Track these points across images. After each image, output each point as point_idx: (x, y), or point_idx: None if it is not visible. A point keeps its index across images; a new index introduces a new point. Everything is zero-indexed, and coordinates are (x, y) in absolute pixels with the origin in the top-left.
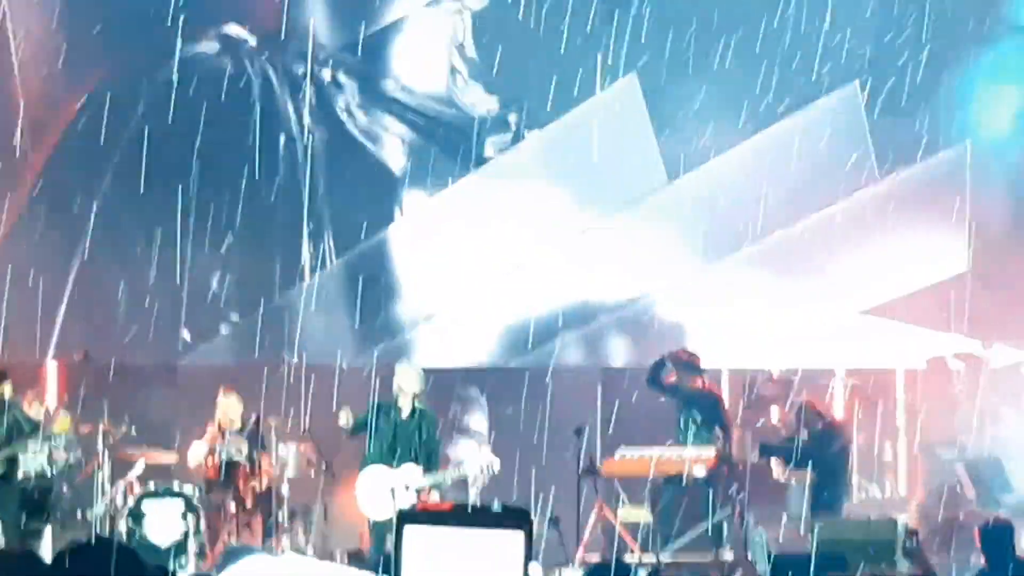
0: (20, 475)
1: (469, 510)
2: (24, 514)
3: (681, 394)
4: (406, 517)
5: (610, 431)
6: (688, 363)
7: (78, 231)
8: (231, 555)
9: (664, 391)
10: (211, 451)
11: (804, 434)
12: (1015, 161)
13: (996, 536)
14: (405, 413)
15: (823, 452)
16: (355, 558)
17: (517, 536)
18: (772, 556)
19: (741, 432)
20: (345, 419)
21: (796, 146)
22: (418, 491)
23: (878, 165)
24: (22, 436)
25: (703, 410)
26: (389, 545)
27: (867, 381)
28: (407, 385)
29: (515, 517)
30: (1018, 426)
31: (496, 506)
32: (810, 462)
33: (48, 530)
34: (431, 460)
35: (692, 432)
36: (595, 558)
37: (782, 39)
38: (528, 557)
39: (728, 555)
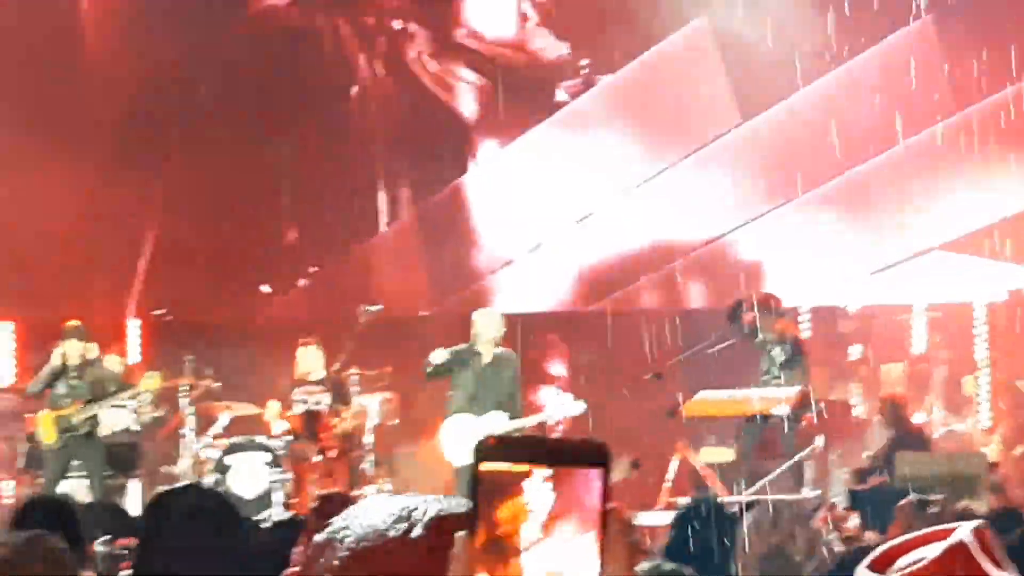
0: (106, 431)
1: (544, 444)
2: (111, 469)
3: (761, 336)
4: (482, 452)
5: (690, 374)
6: (767, 305)
7: (155, 189)
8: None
9: (743, 333)
10: (290, 404)
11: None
12: None
13: None
14: (487, 359)
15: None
16: None
17: (595, 473)
18: (853, 493)
19: (821, 370)
20: (437, 358)
21: (870, 83)
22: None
23: (953, 99)
24: (107, 393)
25: (783, 351)
26: None
27: (947, 315)
28: (486, 330)
29: (593, 452)
30: None
31: (575, 440)
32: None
33: (135, 485)
34: (515, 404)
35: (773, 373)
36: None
37: None
38: (606, 493)
39: (811, 493)
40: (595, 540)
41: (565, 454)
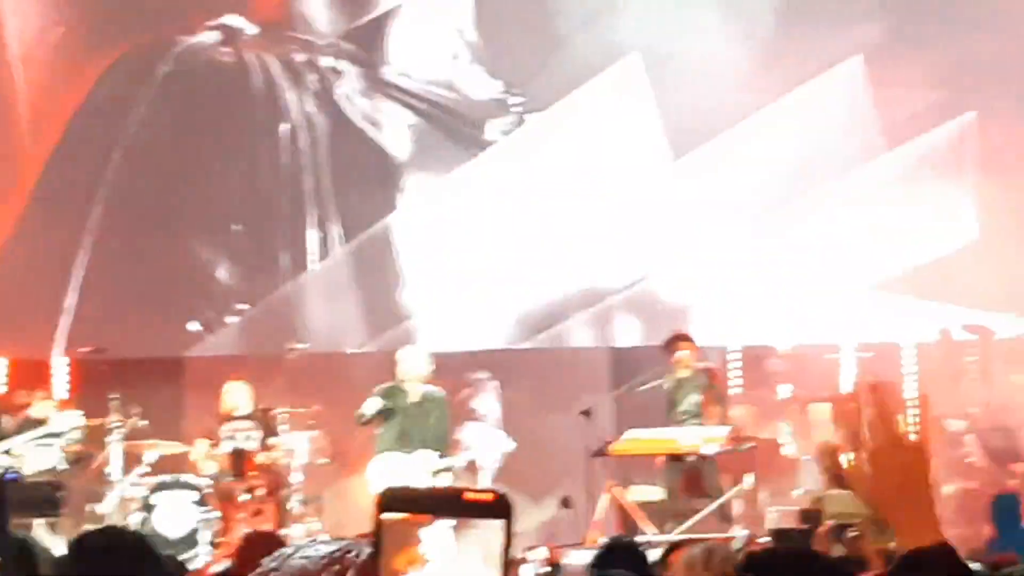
0: (31, 470)
1: (445, 495)
2: (35, 509)
3: (684, 373)
4: (383, 504)
5: (619, 412)
6: (687, 341)
7: (82, 225)
8: None
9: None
10: (217, 442)
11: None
12: None
13: (1006, 507)
14: (414, 397)
15: None
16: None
17: (498, 524)
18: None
19: (750, 409)
20: (370, 408)
21: (801, 120)
22: (434, 474)
23: (884, 138)
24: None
25: (702, 388)
26: None
27: (877, 355)
28: (413, 368)
29: (496, 504)
30: None
31: (478, 492)
32: None
33: (59, 524)
34: (443, 442)
35: (693, 412)
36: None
37: (787, 14)
38: (508, 544)
39: (739, 531)
40: None
41: (468, 506)
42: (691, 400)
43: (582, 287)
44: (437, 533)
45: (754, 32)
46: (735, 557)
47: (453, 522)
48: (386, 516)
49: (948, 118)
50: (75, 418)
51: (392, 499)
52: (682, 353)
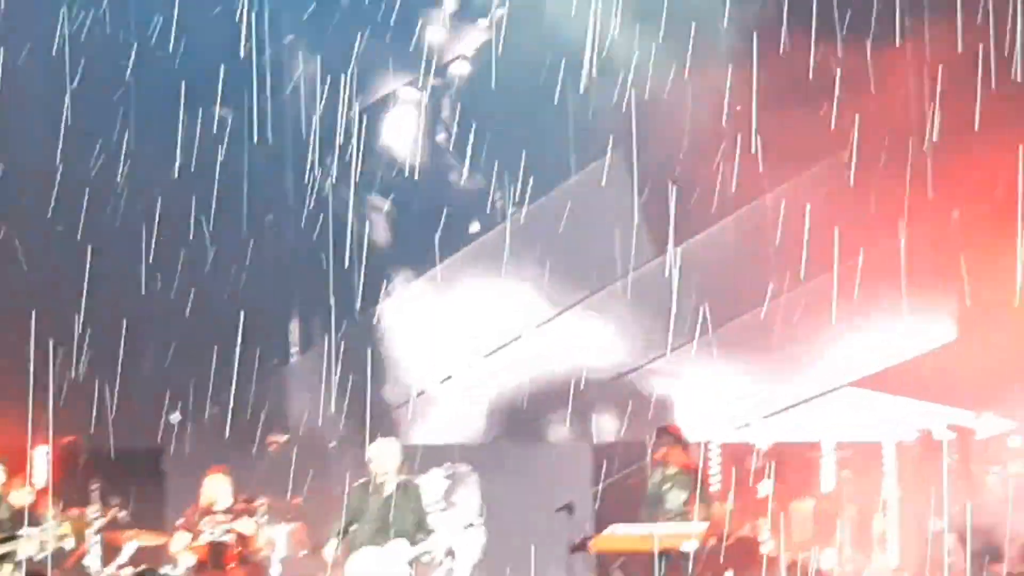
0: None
1: None
2: None
3: (667, 470)
4: None
5: (600, 507)
6: (674, 437)
7: (65, 314)
8: None
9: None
10: (196, 534)
11: None
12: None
13: None
14: (387, 490)
15: None
16: None
17: None
18: None
19: (731, 506)
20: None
21: (781, 216)
22: (410, 562)
23: (858, 239)
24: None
25: (687, 485)
26: None
27: (856, 453)
28: (384, 461)
29: None
30: (1007, 496)
31: None
32: None
33: None
34: (419, 530)
35: (677, 508)
36: None
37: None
38: None
39: None
40: None
41: None
42: (678, 498)
43: (561, 381)
44: None
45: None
46: None
47: None
48: None
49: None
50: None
51: None
52: (671, 449)
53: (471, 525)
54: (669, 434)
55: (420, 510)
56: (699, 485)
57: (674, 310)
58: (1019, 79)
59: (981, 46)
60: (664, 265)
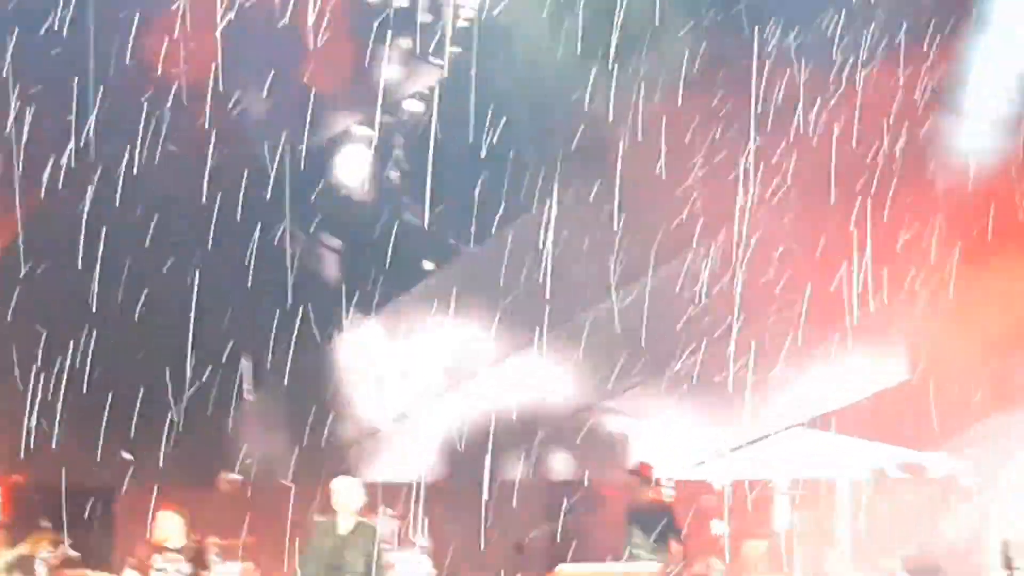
0: None
1: None
2: None
3: (636, 507)
4: None
5: (555, 545)
6: (642, 476)
7: (14, 350)
8: None
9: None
10: (146, 572)
11: None
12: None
13: None
14: (345, 528)
15: None
16: None
17: None
18: None
19: (684, 544)
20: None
21: (735, 256)
22: None
23: (815, 277)
24: None
25: (656, 523)
26: None
27: (810, 492)
28: (346, 500)
29: None
30: (958, 535)
31: None
32: None
33: None
34: (369, 573)
35: (641, 545)
36: None
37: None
38: None
39: None
40: None
41: None
42: (651, 534)
43: (517, 420)
44: None
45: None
46: None
47: None
48: None
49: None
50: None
51: None
52: (646, 486)
53: (421, 565)
54: (647, 470)
55: (373, 552)
56: (676, 525)
57: (627, 349)
58: None
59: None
60: (616, 303)
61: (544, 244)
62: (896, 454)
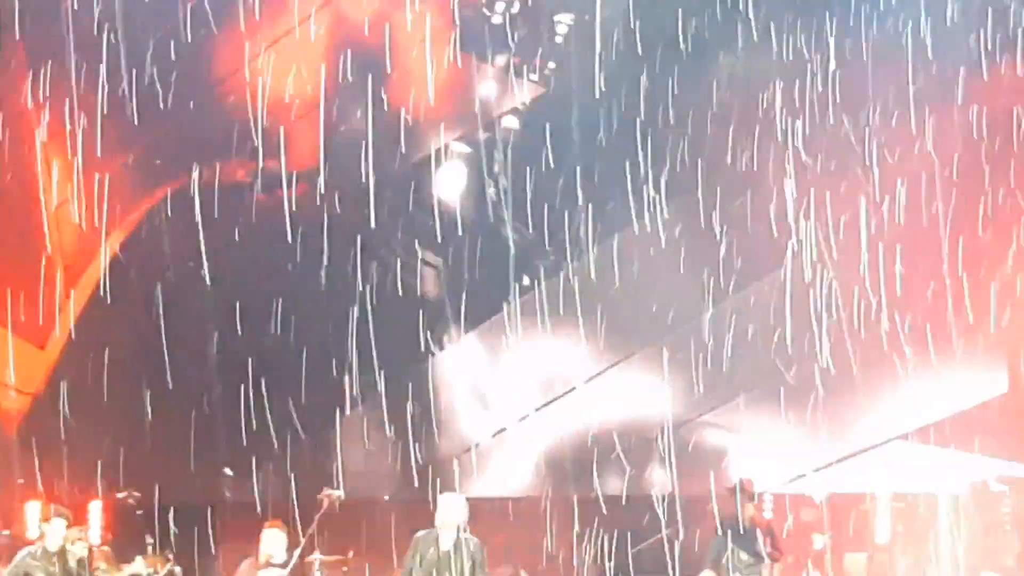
0: None
1: None
2: None
3: (736, 523)
4: None
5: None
6: (745, 492)
7: (119, 369)
8: None
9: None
10: None
11: None
12: None
13: None
14: (448, 544)
15: None
16: None
17: None
18: None
19: (785, 559)
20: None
21: (829, 269)
22: None
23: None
24: None
25: (756, 540)
26: None
27: (910, 505)
28: (450, 516)
29: None
30: None
31: None
32: None
33: None
34: None
35: (745, 561)
36: None
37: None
38: None
39: None
40: None
41: None
42: (753, 549)
43: (617, 434)
44: None
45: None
46: None
47: None
48: None
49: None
50: (138, 564)
51: None
52: (745, 504)
53: None
54: (744, 489)
55: (480, 568)
56: (769, 540)
57: (724, 362)
58: None
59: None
60: (714, 318)
61: (641, 258)
62: (996, 466)
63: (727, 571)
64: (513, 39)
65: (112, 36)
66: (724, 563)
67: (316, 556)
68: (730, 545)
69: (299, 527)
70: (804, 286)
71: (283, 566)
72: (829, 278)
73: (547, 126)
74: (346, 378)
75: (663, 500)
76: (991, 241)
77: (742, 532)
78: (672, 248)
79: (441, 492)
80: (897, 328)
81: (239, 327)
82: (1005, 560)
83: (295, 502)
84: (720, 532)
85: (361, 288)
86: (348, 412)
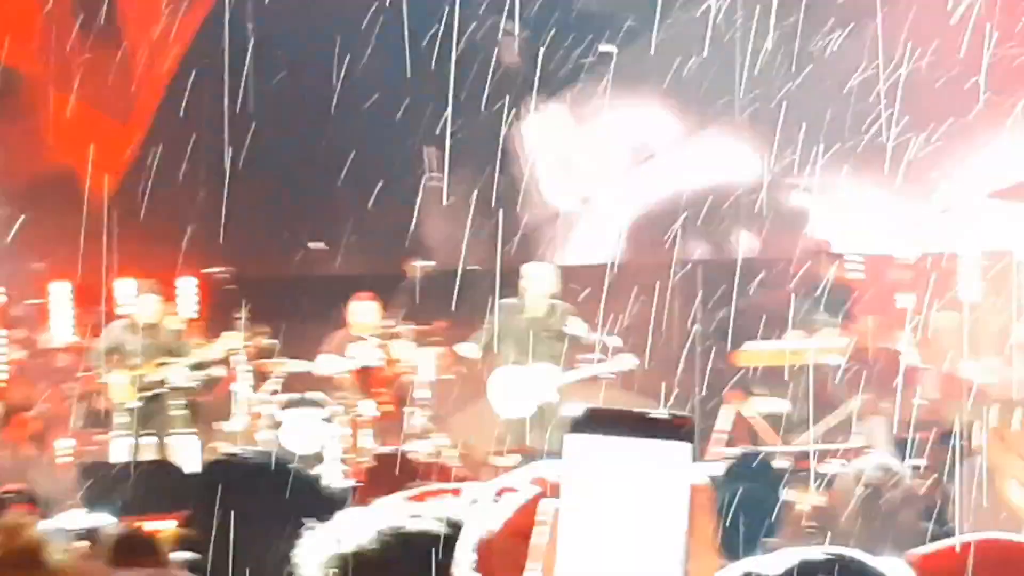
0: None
1: (632, 417)
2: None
3: (820, 284)
4: (572, 425)
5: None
6: (821, 253)
7: (205, 147)
8: None
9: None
10: (346, 358)
11: None
12: None
13: None
14: (537, 313)
15: None
16: None
17: (684, 448)
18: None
19: (871, 319)
20: (473, 351)
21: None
22: (558, 388)
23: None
24: (175, 353)
25: (836, 300)
26: (529, 442)
27: (998, 263)
28: (537, 285)
29: (682, 427)
30: None
31: (663, 414)
32: None
33: (193, 442)
34: (563, 356)
35: (822, 320)
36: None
37: None
38: (693, 469)
39: (860, 441)
40: (682, 516)
41: (653, 427)
42: (837, 312)
43: (697, 200)
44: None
45: None
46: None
47: (640, 443)
48: (575, 437)
49: None
50: (231, 339)
51: (582, 420)
52: (825, 264)
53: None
54: (822, 250)
55: (564, 336)
56: (842, 298)
57: (810, 122)
58: None
59: None
60: (800, 81)
61: (729, 21)
62: None
63: (811, 333)
64: None
65: None
66: (807, 325)
67: (407, 326)
68: (816, 308)
69: (386, 299)
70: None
71: (374, 335)
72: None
73: None
74: (428, 151)
75: (749, 263)
76: None
77: (823, 294)
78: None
79: (527, 260)
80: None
81: (321, 104)
82: None
83: (382, 274)
84: (802, 295)
85: (441, 59)
86: (431, 182)
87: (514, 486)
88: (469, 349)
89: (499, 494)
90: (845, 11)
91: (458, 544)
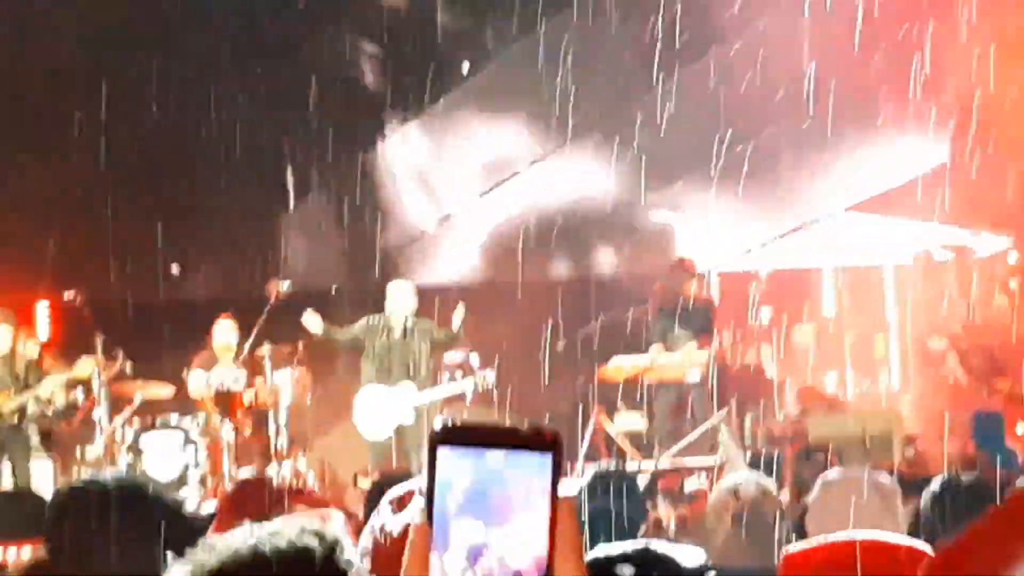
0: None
1: (497, 430)
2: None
3: (678, 302)
4: (438, 438)
5: (603, 339)
6: (684, 271)
7: (64, 169)
8: None
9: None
10: (207, 381)
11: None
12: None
13: (987, 425)
14: (398, 331)
15: None
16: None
17: (548, 460)
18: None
19: (733, 334)
20: (315, 325)
21: (774, 47)
22: (415, 408)
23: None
24: (30, 381)
25: (697, 317)
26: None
27: (856, 277)
28: (399, 304)
29: (546, 440)
30: (1007, 313)
31: (528, 427)
32: None
33: (49, 468)
34: (424, 374)
35: (684, 338)
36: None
37: None
38: (557, 479)
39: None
40: (546, 524)
41: (518, 440)
42: (694, 328)
43: (562, 217)
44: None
45: None
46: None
47: (503, 455)
48: (441, 451)
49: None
50: (86, 365)
51: (446, 433)
52: (686, 283)
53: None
54: (684, 269)
55: (428, 353)
56: (703, 316)
57: (670, 143)
58: None
59: None
60: (659, 97)
61: (587, 39)
62: (942, 235)
63: (671, 348)
64: None
65: None
66: (667, 341)
67: (266, 347)
68: (675, 324)
69: (248, 321)
70: (749, 64)
71: (234, 358)
72: (771, 55)
73: None
74: (289, 171)
75: (609, 281)
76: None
77: (684, 310)
78: (620, 25)
79: (390, 281)
80: (840, 102)
81: (182, 127)
82: (952, 327)
83: (243, 296)
84: (662, 311)
85: (299, 81)
86: (293, 205)
87: (404, 495)
88: (312, 322)
89: (392, 503)
90: (706, 29)
91: (349, 549)
